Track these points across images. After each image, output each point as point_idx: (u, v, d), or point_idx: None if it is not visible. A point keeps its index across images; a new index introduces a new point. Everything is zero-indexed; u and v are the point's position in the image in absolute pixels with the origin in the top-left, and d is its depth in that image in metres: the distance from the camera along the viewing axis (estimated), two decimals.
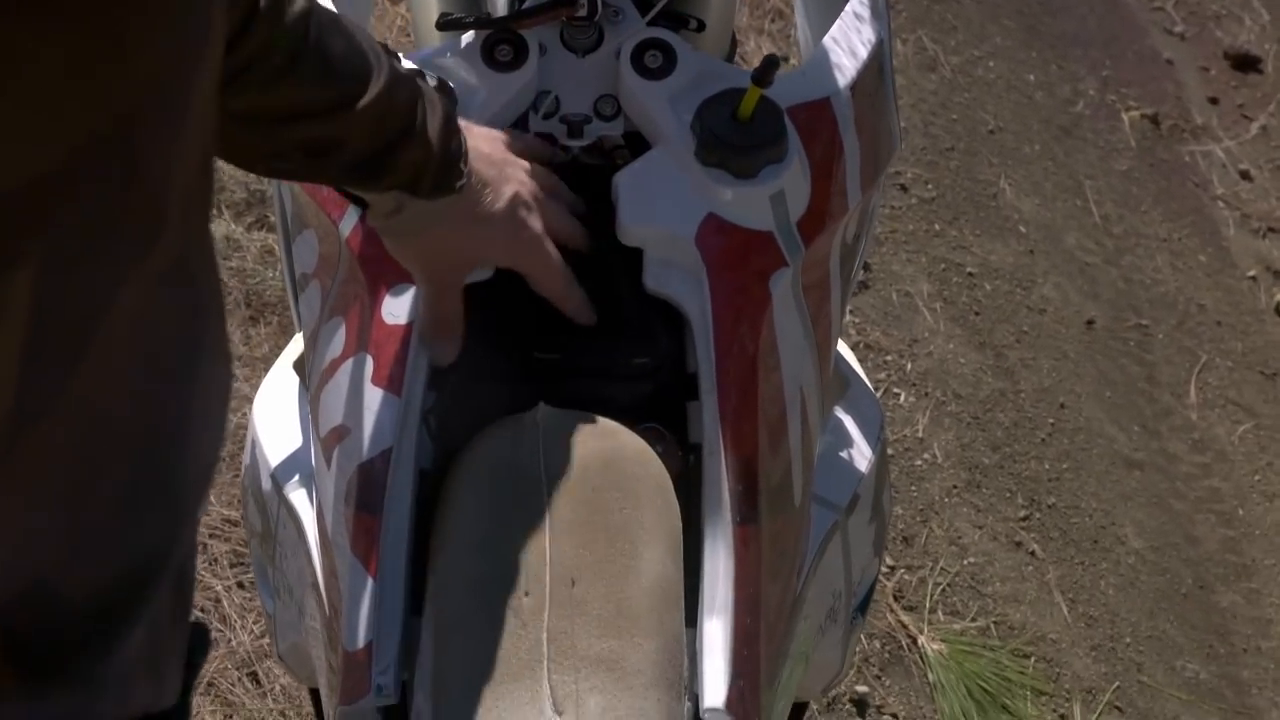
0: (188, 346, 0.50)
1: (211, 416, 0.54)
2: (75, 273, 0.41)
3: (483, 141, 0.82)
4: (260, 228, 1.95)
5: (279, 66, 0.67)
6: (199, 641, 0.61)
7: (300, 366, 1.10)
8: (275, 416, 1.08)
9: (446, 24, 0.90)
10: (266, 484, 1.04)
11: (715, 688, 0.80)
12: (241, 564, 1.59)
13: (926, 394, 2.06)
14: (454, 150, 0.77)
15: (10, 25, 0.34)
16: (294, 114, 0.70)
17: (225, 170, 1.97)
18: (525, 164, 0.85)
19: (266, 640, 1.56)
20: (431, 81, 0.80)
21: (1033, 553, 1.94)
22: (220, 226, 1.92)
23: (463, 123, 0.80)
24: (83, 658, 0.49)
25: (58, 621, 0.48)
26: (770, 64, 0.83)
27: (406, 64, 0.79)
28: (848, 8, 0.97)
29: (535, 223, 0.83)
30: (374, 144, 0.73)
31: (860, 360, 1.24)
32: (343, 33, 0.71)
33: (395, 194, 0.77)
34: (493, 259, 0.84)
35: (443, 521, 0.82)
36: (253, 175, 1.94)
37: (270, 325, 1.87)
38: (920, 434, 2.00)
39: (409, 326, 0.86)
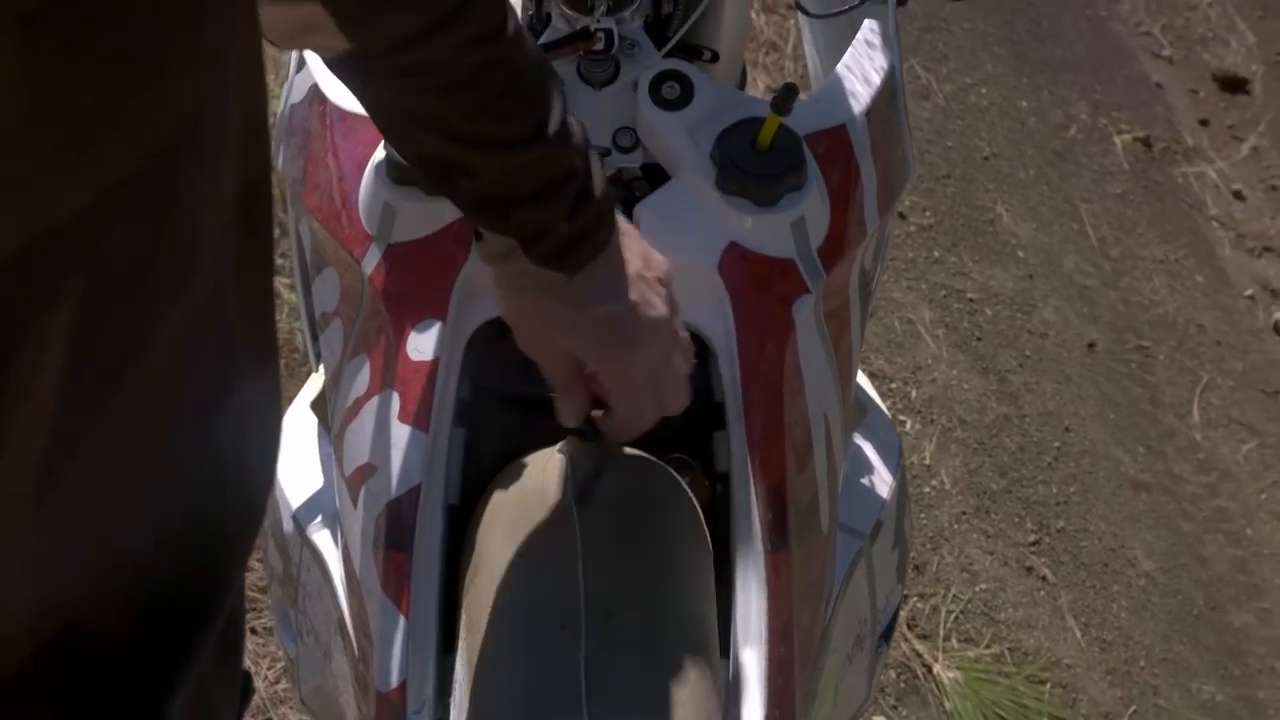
0: (226, 383, 0.49)
1: (254, 455, 0.54)
2: (111, 311, 0.41)
3: (639, 255, 0.77)
4: None
5: (450, 82, 0.66)
6: (244, 689, 0.61)
7: (318, 407, 1.10)
8: (295, 458, 1.07)
9: None
10: (288, 526, 1.03)
11: (753, 718, 0.79)
12: (253, 609, 1.58)
13: (932, 420, 2.06)
14: (589, 236, 0.74)
15: (44, 64, 0.34)
16: (443, 129, 0.69)
17: None
18: (677, 322, 0.80)
19: (281, 686, 1.55)
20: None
21: (1044, 577, 1.94)
22: None
23: (630, 231, 0.77)
24: (124, 700, 0.48)
25: (94, 663, 0.47)
26: (789, 92, 0.83)
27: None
28: (859, 35, 0.98)
29: (667, 361, 0.78)
30: (507, 190, 0.71)
31: None
32: (542, 82, 0.70)
33: (508, 241, 0.74)
34: (587, 356, 0.78)
35: (473, 557, 0.82)
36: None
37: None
38: (927, 461, 2.00)
39: (434, 362, 0.86)
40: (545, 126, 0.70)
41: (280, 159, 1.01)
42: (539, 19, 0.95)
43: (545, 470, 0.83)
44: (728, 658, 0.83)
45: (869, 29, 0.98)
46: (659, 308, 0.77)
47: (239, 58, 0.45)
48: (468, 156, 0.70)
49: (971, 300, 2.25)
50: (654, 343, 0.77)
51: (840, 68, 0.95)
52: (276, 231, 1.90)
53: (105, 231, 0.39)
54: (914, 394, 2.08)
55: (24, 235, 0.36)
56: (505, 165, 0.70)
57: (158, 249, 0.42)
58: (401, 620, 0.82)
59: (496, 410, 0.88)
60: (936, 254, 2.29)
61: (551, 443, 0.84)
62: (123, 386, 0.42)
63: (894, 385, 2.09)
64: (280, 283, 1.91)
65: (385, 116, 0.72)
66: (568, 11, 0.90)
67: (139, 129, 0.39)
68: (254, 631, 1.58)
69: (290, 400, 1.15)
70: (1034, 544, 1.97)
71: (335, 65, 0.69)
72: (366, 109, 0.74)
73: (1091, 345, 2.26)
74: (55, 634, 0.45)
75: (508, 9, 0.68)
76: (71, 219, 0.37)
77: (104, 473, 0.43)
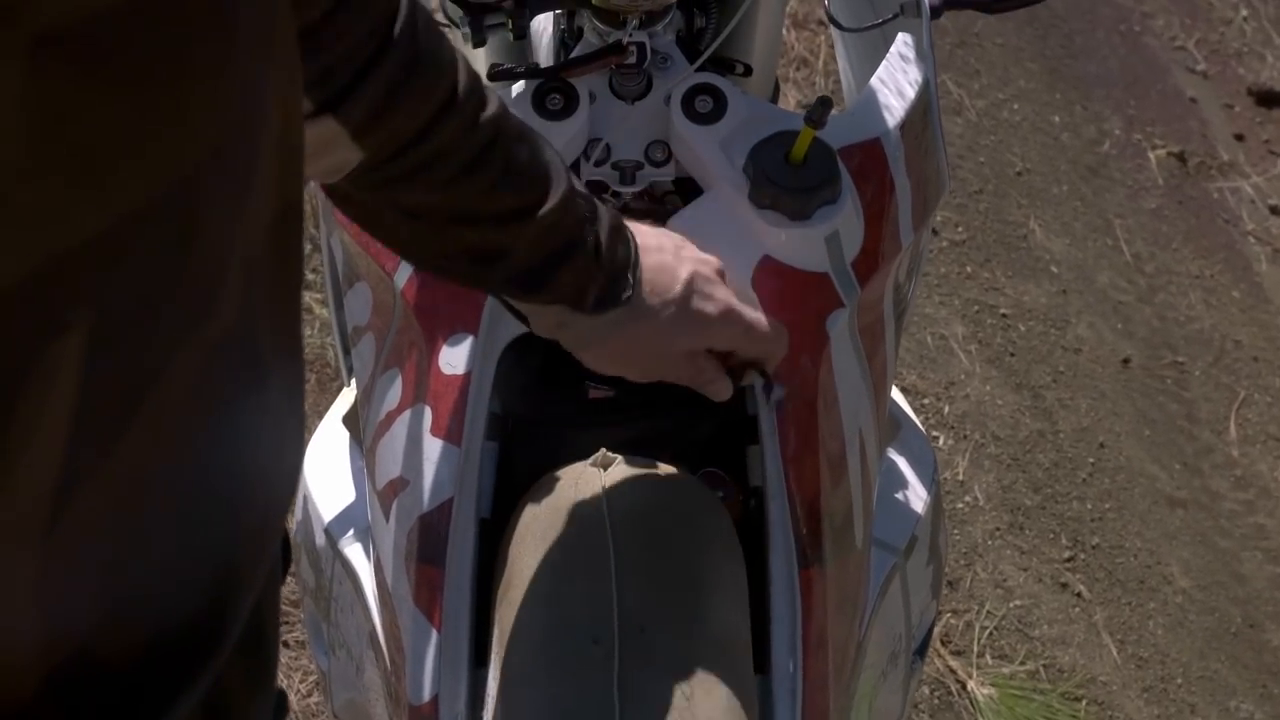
0: (246, 415, 0.49)
1: (272, 484, 0.53)
2: (125, 341, 0.40)
3: (650, 236, 0.79)
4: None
5: (461, 167, 0.66)
6: (278, 707, 0.60)
7: (350, 421, 1.10)
8: (326, 471, 1.08)
9: (497, 74, 0.90)
10: (320, 539, 1.03)
11: None
12: (286, 622, 1.58)
13: (965, 436, 2.05)
14: (620, 261, 0.74)
15: (57, 87, 0.34)
16: (468, 216, 0.69)
17: None
18: (695, 249, 0.82)
19: (314, 699, 1.55)
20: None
21: (1079, 594, 1.92)
22: None
23: (630, 224, 0.78)
24: None
25: (104, 688, 0.47)
26: (824, 105, 0.83)
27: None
28: (893, 49, 0.97)
29: (719, 293, 0.80)
30: (539, 256, 0.71)
31: None
32: (529, 142, 0.70)
33: (557, 309, 0.75)
34: (688, 345, 0.80)
35: (506, 571, 0.82)
36: None
37: (308, 383, 1.87)
38: (961, 476, 1.99)
39: (467, 376, 0.86)
40: (552, 182, 0.70)
41: None
42: (571, 33, 0.96)
43: (578, 484, 0.83)
44: (762, 673, 0.82)
45: (903, 42, 0.98)
46: (689, 248, 0.80)
47: (275, 90, 0.44)
48: (498, 237, 0.70)
49: (1005, 316, 2.23)
50: (718, 278, 0.80)
51: (874, 81, 0.95)
52: (308, 247, 1.92)
53: (119, 260, 0.38)
54: (947, 409, 2.07)
55: (32, 261, 0.35)
56: (533, 233, 0.70)
57: (176, 278, 0.41)
58: (434, 634, 0.82)
59: (529, 424, 0.88)
60: (969, 269, 2.28)
61: (584, 456, 0.84)
62: (136, 417, 0.42)
63: (927, 401, 2.08)
64: (311, 297, 1.92)
65: (411, 231, 0.70)
66: (600, 25, 0.90)
67: (157, 158, 0.38)
68: (286, 645, 1.58)
69: (322, 415, 1.15)
70: (1069, 560, 1.95)
71: (354, 186, 0.67)
72: (387, 240, 0.73)
73: (1126, 361, 2.25)
74: (64, 662, 0.44)
75: (483, 83, 0.69)
76: (82, 246, 0.36)
77: (116, 503, 0.43)
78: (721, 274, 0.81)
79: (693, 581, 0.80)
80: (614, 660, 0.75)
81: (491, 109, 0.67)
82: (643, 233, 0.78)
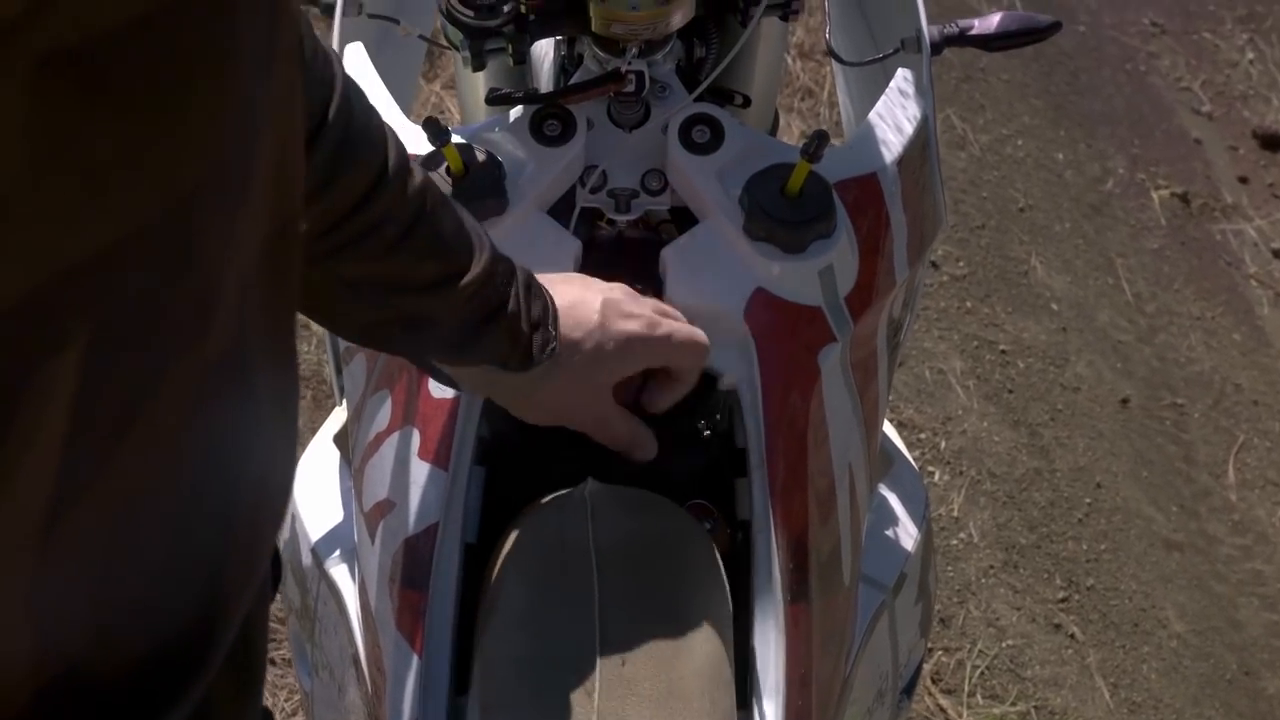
0: (239, 431, 0.49)
1: (263, 505, 0.53)
2: (121, 358, 0.40)
3: (556, 278, 0.81)
4: None
5: (395, 236, 0.68)
6: None
7: (341, 440, 1.09)
8: (315, 491, 1.07)
9: (495, 99, 0.90)
10: (307, 559, 1.03)
11: None
12: (274, 639, 1.57)
13: (961, 472, 2.04)
14: (536, 317, 0.76)
15: (59, 107, 0.34)
16: (400, 285, 0.70)
17: None
18: (600, 281, 0.83)
19: (298, 718, 1.54)
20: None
21: (1072, 635, 1.91)
22: None
23: (544, 276, 0.79)
24: None
25: (95, 703, 0.46)
26: (820, 139, 0.83)
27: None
28: (892, 83, 0.97)
29: (636, 309, 0.81)
30: (467, 321, 0.73)
31: None
32: (451, 210, 0.72)
33: (485, 369, 0.76)
34: (620, 369, 0.81)
35: (489, 598, 0.81)
36: None
37: (304, 399, 1.87)
38: (956, 513, 1.98)
39: (456, 400, 0.85)
40: (475, 248, 0.72)
41: None
42: (571, 60, 0.96)
43: (564, 512, 0.82)
44: (745, 709, 0.82)
45: (902, 77, 0.98)
46: (595, 282, 0.82)
47: (272, 107, 0.44)
48: (428, 304, 0.72)
49: (1004, 352, 2.23)
50: (627, 296, 0.81)
51: (872, 115, 0.95)
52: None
53: (118, 277, 0.38)
54: (943, 445, 2.06)
55: (32, 278, 0.36)
56: (461, 297, 0.72)
57: (173, 296, 0.41)
58: (415, 659, 0.81)
59: (517, 450, 0.88)
60: (969, 304, 2.28)
61: (572, 484, 0.84)
62: (131, 433, 0.42)
63: (923, 435, 2.07)
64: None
65: (347, 304, 0.71)
66: (600, 53, 0.90)
67: (156, 176, 0.38)
68: (273, 663, 1.58)
69: (314, 433, 1.15)
70: (1063, 601, 1.94)
71: None
72: (322, 316, 0.74)
73: (1125, 401, 2.24)
74: (55, 678, 0.44)
75: (409, 154, 0.71)
76: (83, 263, 0.37)
77: (109, 518, 0.43)
78: (634, 293, 0.83)
79: (677, 614, 0.80)
80: (594, 692, 0.75)
81: (418, 179, 0.69)
82: (549, 280, 0.80)
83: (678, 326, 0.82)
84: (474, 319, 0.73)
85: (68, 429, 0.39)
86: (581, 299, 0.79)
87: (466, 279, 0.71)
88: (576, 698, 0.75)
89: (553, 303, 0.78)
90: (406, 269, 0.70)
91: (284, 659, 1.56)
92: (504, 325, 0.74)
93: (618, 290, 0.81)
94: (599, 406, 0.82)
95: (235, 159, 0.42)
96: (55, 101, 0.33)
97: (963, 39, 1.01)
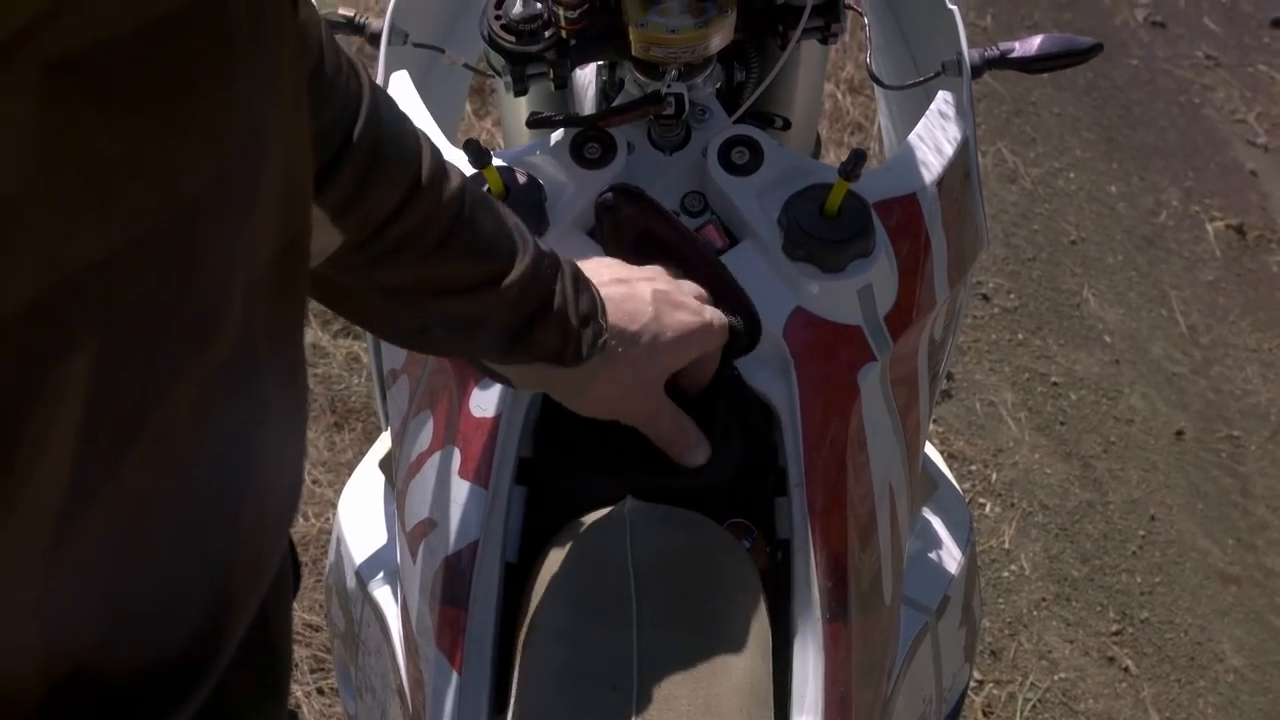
0: (247, 436, 0.50)
1: (271, 510, 0.54)
2: (130, 363, 0.40)
3: (602, 271, 0.80)
4: (346, 335, 1.98)
5: (434, 242, 0.68)
6: None
7: (386, 465, 1.10)
8: (360, 514, 1.08)
9: (536, 122, 0.91)
10: (351, 581, 1.04)
11: None
12: (322, 669, 1.58)
13: (1013, 504, 2.02)
14: (585, 311, 0.75)
15: (67, 112, 0.34)
16: (443, 289, 0.70)
17: None
18: (638, 269, 0.83)
19: None
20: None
21: (1126, 669, 1.88)
22: (307, 334, 1.95)
23: (582, 264, 0.79)
24: None
25: (104, 704, 0.47)
26: (857, 158, 0.83)
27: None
28: (932, 105, 0.98)
29: (684, 299, 0.81)
30: (515, 319, 0.72)
31: None
32: (491, 210, 0.72)
33: (538, 367, 0.76)
34: (674, 362, 0.81)
35: (528, 615, 0.81)
36: None
37: (354, 431, 1.88)
38: (1007, 545, 1.96)
39: (496, 419, 0.86)
40: (519, 246, 0.72)
41: None
42: (612, 84, 0.97)
43: (603, 529, 0.83)
44: None
45: (943, 100, 0.98)
46: (637, 271, 0.81)
47: (277, 120, 0.45)
48: (474, 306, 0.71)
49: (1055, 384, 2.21)
50: (674, 288, 0.81)
51: (912, 137, 0.95)
52: None
53: (126, 282, 0.39)
54: (994, 477, 2.05)
55: (41, 283, 0.36)
56: (506, 297, 0.71)
57: (180, 302, 0.42)
58: (454, 676, 0.82)
59: (558, 469, 0.88)
60: (1021, 336, 2.26)
61: (611, 503, 0.84)
62: (141, 437, 0.42)
63: (974, 467, 2.06)
64: (359, 347, 1.94)
65: (391, 311, 0.72)
66: (640, 77, 0.91)
67: (162, 183, 0.39)
68: (321, 692, 1.58)
69: (360, 458, 1.16)
70: (1116, 634, 1.92)
71: (336, 270, 0.69)
72: (367, 323, 0.74)
73: (1179, 433, 2.21)
74: (65, 678, 0.45)
75: (444, 157, 0.71)
76: (90, 268, 0.37)
77: (119, 522, 0.43)
78: (671, 279, 0.82)
79: (715, 632, 0.80)
80: (631, 708, 0.75)
81: (454, 183, 0.69)
82: (593, 270, 0.79)
83: (716, 312, 0.82)
84: (521, 317, 0.72)
85: (78, 434, 0.39)
86: (631, 292, 0.78)
87: (509, 279, 0.71)
88: (614, 714, 0.75)
89: (600, 296, 0.77)
90: (447, 273, 0.70)
91: (331, 688, 1.57)
92: (552, 321, 0.73)
93: (660, 279, 0.81)
94: (653, 399, 0.81)
95: (241, 169, 0.42)
96: (64, 105, 0.34)
97: (1004, 61, 1.01)
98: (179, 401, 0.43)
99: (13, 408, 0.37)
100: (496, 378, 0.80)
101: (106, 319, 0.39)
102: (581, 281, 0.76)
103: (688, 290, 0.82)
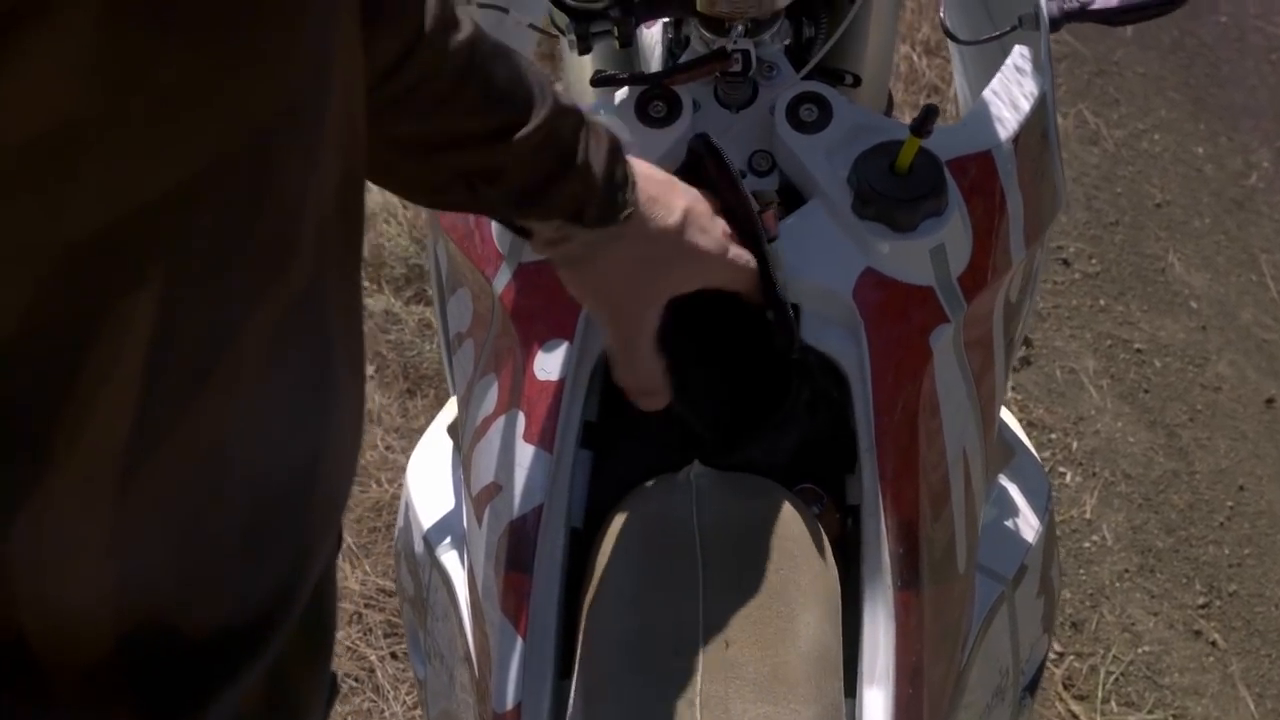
0: (316, 383, 0.49)
1: (339, 456, 0.53)
2: (200, 296, 0.40)
3: (645, 167, 0.79)
4: (418, 301, 1.98)
5: (442, 92, 0.66)
6: (330, 686, 0.60)
7: (454, 430, 1.10)
8: (429, 479, 1.08)
9: (601, 80, 0.90)
10: (419, 546, 1.04)
11: None
12: (395, 634, 1.59)
13: (1094, 474, 1.98)
14: (618, 179, 0.74)
15: (128, 39, 0.34)
16: (455, 142, 0.69)
17: (385, 246, 2.01)
18: (689, 187, 0.81)
19: (419, 712, 1.55)
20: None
21: (1213, 643, 1.84)
22: (380, 301, 1.96)
23: (631, 158, 0.77)
24: (202, 697, 0.48)
25: (175, 654, 0.47)
26: (929, 113, 0.81)
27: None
28: (1008, 60, 0.95)
29: (715, 229, 0.79)
30: (534, 174, 0.71)
31: None
32: (506, 61, 0.70)
33: (559, 223, 0.74)
34: (676, 277, 0.79)
35: (593, 581, 0.80)
36: (411, 250, 1.98)
37: (428, 398, 1.89)
38: (1088, 515, 1.92)
39: (561, 383, 0.85)
40: (535, 100, 0.70)
41: None
42: (678, 41, 0.95)
43: (669, 495, 0.81)
44: (852, 697, 0.80)
45: (1019, 54, 0.95)
46: (687, 188, 0.79)
47: (340, 50, 0.45)
48: (489, 158, 0.69)
49: (1139, 351, 2.16)
50: (711, 218, 0.79)
51: (987, 93, 0.92)
52: (414, 248, 1.94)
53: (194, 214, 0.38)
54: (1075, 445, 2.00)
55: (108, 214, 0.36)
56: (524, 149, 0.69)
57: (250, 234, 0.41)
58: (519, 641, 0.81)
59: (624, 434, 0.87)
60: (1103, 302, 2.21)
61: (678, 468, 0.83)
62: (211, 377, 0.42)
63: (1054, 436, 2.01)
64: (431, 313, 1.95)
65: (405, 167, 0.70)
66: (706, 33, 0.89)
67: (231, 112, 0.38)
68: (395, 657, 1.59)
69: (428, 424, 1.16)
70: (1203, 607, 1.87)
71: None
72: (387, 182, 0.73)
73: (1270, 401, 2.15)
74: (137, 626, 0.44)
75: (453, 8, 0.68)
76: (158, 199, 0.37)
77: (189, 467, 0.43)
78: (710, 211, 0.80)
79: (783, 598, 0.78)
80: (698, 675, 0.73)
81: (464, 34, 0.67)
82: (639, 163, 0.78)
83: (741, 250, 0.80)
84: (541, 171, 0.71)
85: (145, 369, 0.39)
86: (666, 199, 0.77)
87: (524, 131, 0.69)
88: (679, 680, 0.74)
89: (634, 176, 0.75)
90: (456, 124, 0.68)
91: (404, 653, 1.58)
92: (574, 177, 0.71)
93: (700, 203, 0.79)
94: (642, 313, 0.79)
95: (309, 99, 0.42)
96: (129, 35, 0.34)
97: (1084, 14, 0.98)
98: (250, 340, 0.43)
99: (77, 339, 0.37)
100: (518, 231, 0.78)
101: (176, 251, 0.38)
102: (619, 152, 0.75)
103: (720, 226, 0.80)
